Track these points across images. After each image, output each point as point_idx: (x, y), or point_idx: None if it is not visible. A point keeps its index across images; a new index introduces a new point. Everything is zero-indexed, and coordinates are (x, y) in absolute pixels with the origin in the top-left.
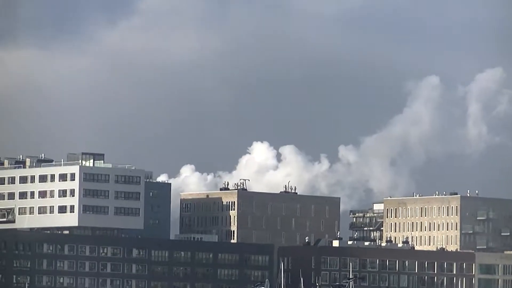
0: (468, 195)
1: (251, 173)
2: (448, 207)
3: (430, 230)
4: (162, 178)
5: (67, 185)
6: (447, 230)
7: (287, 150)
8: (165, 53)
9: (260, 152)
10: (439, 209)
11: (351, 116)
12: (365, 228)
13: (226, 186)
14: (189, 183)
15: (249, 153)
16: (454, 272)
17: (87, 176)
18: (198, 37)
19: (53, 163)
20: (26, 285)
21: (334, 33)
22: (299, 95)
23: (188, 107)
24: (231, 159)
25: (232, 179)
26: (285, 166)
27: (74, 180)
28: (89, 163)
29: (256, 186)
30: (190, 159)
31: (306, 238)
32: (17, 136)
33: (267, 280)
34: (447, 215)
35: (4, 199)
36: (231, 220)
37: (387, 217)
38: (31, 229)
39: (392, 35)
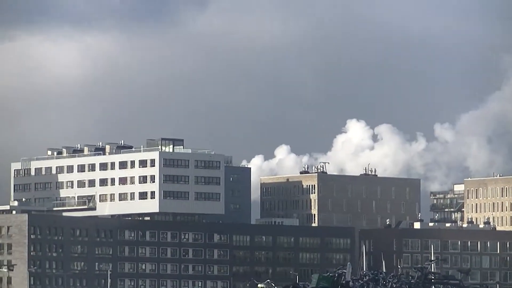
0: None
1: (348, 154)
2: None
3: (511, 210)
4: (243, 162)
5: (147, 171)
6: None
7: (383, 129)
8: (252, 37)
9: (356, 131)
10: None
11: (447, 93)
12: (446, 210)
13: (306, 169)
14: (284, 165)
15: (345, 132)
16: None
17: (167, 161)
18: (284, 21)
19: (133, 149)
20: (108, 272)
21: (421, 15)
22: (390, 74)
23: (274, 90)
24: (326, 140)
25: (329, 160)
26: (381, 146)
27: (154, 166)
28: (169, 148)
29: (351, 168)
30: (286, 140)
31: (387, 220)
32: (96, 123)
33: (349, 263)
34: None
35: (84, 186)
36: (312, 203)
37: (468, 198)
38: (112, 216)
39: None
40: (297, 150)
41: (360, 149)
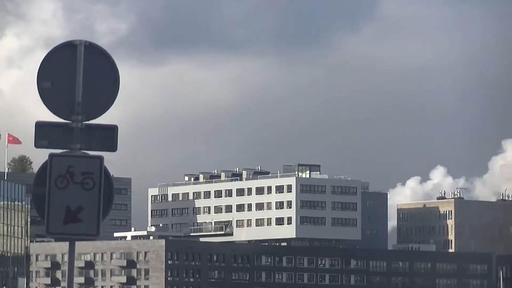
0: None
1: (505, 179)
2: None
3: None
4: (378, 188)
5: (284, 196)
6: None
7: None
8: (400, 59)
9: None
10: None
11: None
12: None
13: (443, 195)
14: (441, 187)
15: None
16: None
17: (304, 187)
18: (435, 44)
19: (269, 175)
20: None
21: None
22: None
23: (423, 113)
24: (482, 161)
25: (485, 183)
26: None
27: (290, 191)
28: (306, 174)
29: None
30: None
31: None
32: (234, 149)
33: None
34: None
35: (221, 212)
36: (449, 229)
37: None
38: (249, 241)
39: None
40: (453, 172)
41: None
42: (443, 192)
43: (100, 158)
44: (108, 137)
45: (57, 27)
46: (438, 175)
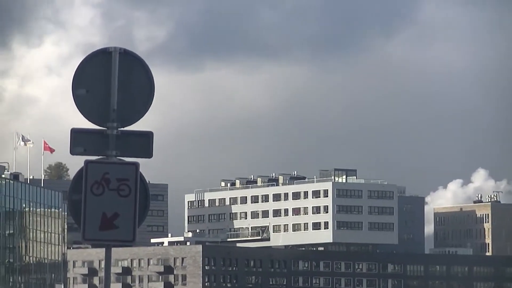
0: None
1: None
2: None
3: None
4: (418, 192)
5: (321, 201)
6: None
7: None
8: (435, 63)
9: None
10: None
11: None
12: None
13: (480, 198)
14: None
15: None
16: None
17: (340, 192)
18: (471, 48)
19: (306, 180)
20: None
21: None
22: None
23: (461, 117)
24: None
25: None
26: None
27: (327, 196)
28: (342, 179)
29: None
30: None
31: None
32: (270, 154)
33: None
34: None
35: (258, 217)
36: (485, 232)
37: None
38: (286, 246)
39: None
40: (495, 175)
41: None
42: (479, 196)
43: (136, 165)
44: (143, 143)
45: (96, 34)
46: (479, 178)
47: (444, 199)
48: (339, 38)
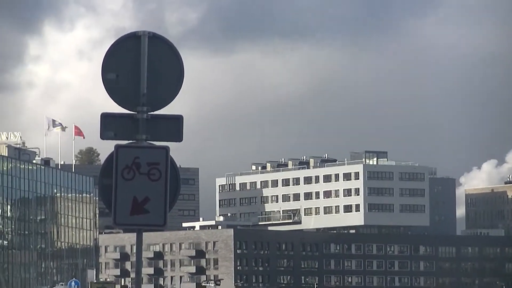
0: None
1: None
2: None
3: None
4: (451, 173)
5: (352, 184)
6: None
7: None
8: (470, 46)
9: None
10: None
11: None
12: None
13: (511, 179)
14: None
15: None
16: None
17: (371, 174)
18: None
19: (337, 162)
20: (315, 285)
21: None
22: None
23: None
24: None
25: None
26: None
27: (358, 179)
28: (373, 161)
29: None
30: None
31: None
32: (301, 137)
33: None
34: None
35: (289, 201)
36: None
37: None
38: (317, 229)
39: None
40: None
41: None
42: (511, 176)
43: (166, 149)
44: (173, 127)
45: (127, 18)
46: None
47: (479, 179)
48: (371, 20)
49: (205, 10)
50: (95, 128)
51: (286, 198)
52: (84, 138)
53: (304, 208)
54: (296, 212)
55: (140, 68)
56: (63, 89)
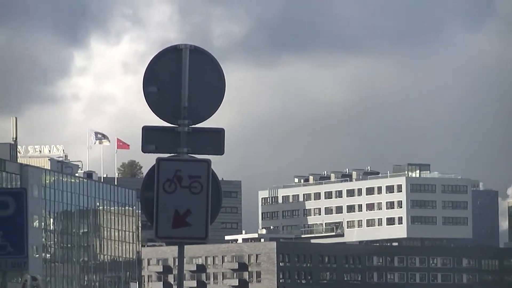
0: None
1: None
2: None
3: None
4: (493, 186)
5: (394, 196)
6: None
7: None
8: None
9: None
10: None
11: None
12: None
13: None
14: None
15: None
16: None
17: (414, 187)
18: None
19: (379, 175)
20: None
21: None
22: None
23: None
24: None
25: None
26: None
27: (401, 191)
28: (416, 174)
29: None
30: None
31: None
32: (343, 150)
33: None
34: None
35: (332, 213)
36: None
37: None
38: (360, 242)
39: None
40: None
41: None
42: None
43: (208, 162)
44: (215, 140)
45: (173, 31)
46: None
47: None
48: (420, 32)
49: (250, 23)
50: (138, 141)
51: (328, 210)
52: (129, 149)
53: (347, 221)
54: (338, 224)
55: (181, 81)
56: (107, 102)
